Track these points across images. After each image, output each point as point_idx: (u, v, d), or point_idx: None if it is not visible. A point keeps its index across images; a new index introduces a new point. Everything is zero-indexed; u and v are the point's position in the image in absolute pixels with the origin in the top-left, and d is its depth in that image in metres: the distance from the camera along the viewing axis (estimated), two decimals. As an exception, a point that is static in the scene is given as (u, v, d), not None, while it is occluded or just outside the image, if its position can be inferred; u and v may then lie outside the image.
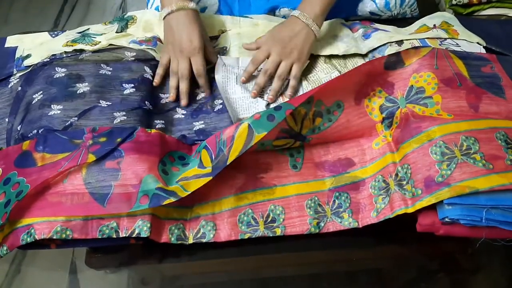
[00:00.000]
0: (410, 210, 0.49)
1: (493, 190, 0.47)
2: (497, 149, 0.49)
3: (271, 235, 0.50)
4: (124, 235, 0.47)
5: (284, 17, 0.77)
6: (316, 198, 0.52)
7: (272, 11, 0.76)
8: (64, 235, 0.47)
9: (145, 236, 0.47)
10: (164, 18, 0.64)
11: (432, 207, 0.48)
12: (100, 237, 0.47)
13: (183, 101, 0.62)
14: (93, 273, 0.51)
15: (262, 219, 0.51)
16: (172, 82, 0.63)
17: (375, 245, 0.53)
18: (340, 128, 0.56)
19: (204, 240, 0.50)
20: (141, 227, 0.48)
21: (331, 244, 0.52)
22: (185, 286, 0.51)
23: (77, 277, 0.51)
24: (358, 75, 0.58)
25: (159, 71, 0.64)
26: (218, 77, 0.64)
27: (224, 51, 0.69)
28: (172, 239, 0.49)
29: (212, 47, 0.66)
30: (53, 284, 0.51)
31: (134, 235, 0.47)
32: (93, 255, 0.51)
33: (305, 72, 0.66)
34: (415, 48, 0.61)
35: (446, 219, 0.47)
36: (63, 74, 0.61)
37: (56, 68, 0.62)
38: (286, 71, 0.63)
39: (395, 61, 0.59)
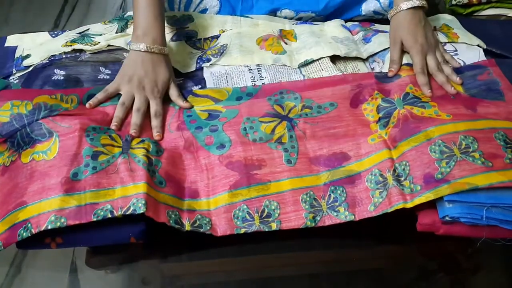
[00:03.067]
0: (409, 205, 0.49)
1: (493, 188, 0.47)
2: (496, 148, 0.50)
3: (266, 230, 0.50)
4: (120, 213, 0.47)
5: (285, 17, 0.77)
6: (312, 193, 0.52)
7: (273, 12, 0.77)
8: (59, 223, 0.46)
9: (141, 212, 0.46)
10: (132, 48, 0.61)
11: (432, 207, 0.49)
12: (95, 219, 0.47)
13: (134, 133, 0.56)
14: (93, 273, 0.51)
15: (257, 214, 0.51)
16: (122, 114, 0.57)
17: (375, 245, 0.53)
18: (331, 120, 0.57)
19: (201, 230, 0.49)
20: (136, 204, 0.47)
21: (331, 244, 0.53)
22: (185, 286, 0.51)
23: (77, 277, 0.51)
24: (346, 83, 0.61)
25: (100, 96, 0.58)
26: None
27: (224, 49, 0.69)
28: (171, 221, 0.49)
29: (178, 91, 0.62)
30: (54, 284, 0.51)
31: (129, 212, 0.47)
32: (93, 255, 0.51)
33: (310, 69, 0.66)
34: (409, 65, 0.63)
35: (447, 218, 0.47)
36: (61, 77, 0.61)
37: (55, 70, 0.63)
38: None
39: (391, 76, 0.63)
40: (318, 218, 0.51)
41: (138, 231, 0.49)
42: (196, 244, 0.52)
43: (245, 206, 0.51)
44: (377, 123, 0.57)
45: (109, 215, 0.47)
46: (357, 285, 0.51)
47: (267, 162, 0.54)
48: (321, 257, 0.52)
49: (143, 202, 0.47)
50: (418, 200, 0.48)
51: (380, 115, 0.57)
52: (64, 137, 0.52)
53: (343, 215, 0.51)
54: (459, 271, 0.52)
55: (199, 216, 0.51)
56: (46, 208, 0.47)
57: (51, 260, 0.52)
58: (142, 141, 0.54)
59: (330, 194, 0.52)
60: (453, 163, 0.48)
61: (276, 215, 0.51)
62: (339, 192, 0.52)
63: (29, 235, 0.46)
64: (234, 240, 0.50)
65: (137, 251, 0.51)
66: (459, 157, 0.49)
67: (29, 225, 0.47)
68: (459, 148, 0.49)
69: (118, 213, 0.47)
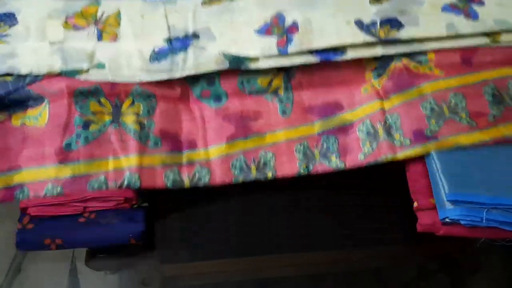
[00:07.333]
0: (399, 157, 0.50)
1: (495, 189, 0.47)
2: (482, 105, 0.51)
3: (262, 179, 0.52)
4: (114, 186, 0.49)
5: None
6: (306, 143, 0.54)
7: None
8: (55, 192, 0.48)
9: (137, 187, 0.49)
10: None
11: (433, 207, 0.48)
12: (91, 190, 0.48)
13: None
14: (93, 273, 0.51)
15: (254, 164, 0.52)
16: None
17: (375, 246, 0.53)
18: (328, 67, 0.56)
19: (200, 183, 0.51)
20: (130, 178, 0.49)
21: (331, 245, 0.53)
22: (185, 286, 0.51)
23: (77, 278, 0.51)
24: None
25: None
26: None
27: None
28: (168, 184, 0.50)
29: None
30: (53, 284, 0.51)
31: (124, 186, 0.49)
32: (93, 256, 0.52)
33: None
34: None
35: (447, 219, 0.47)
36: None
37: None
38: None
39: None
40: (311, 167, 0.53)
41: (137, 232, 0.49)
42: (196, 244, 0.52)
43: (242, 157, 0.53)
44: (372, 72, 0.57)
45: (104, 187, 0.49)
46: (357, 285, 0.51)
47: (263, 114, 0.55)
48: (321, 257, 0.52)
49: (137, 176, 0.49)
50: (408, 153, 0.50)
51: (377, 64, 0.57)
52: (54, 103, 0.52)
53: (334, 164, 0.53)
54: (459, 271, 0.52)
55: (199, 168, 0.52)
56: (42, 176, 0.49)
57: (50, 261, 0.52)
58: (132, 103, 0.53)
59: (323, 144, 0.54)
60: (442, 122, 0.51)
61: (272, 164, 0.53)
62: (331, 141, 0.54)
63: (26, 198, 0.49)
64: (234, 241, 0.51)
65: (136, 252, 0.51)
66: (448, 116, 0.51)
67: (26, 189, 0.49)
68: (448, 107, 0.51)
69: (111, 185, 0.49)
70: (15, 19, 0.57)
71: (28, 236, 0.49)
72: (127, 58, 0.54)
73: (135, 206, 0.51)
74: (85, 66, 0.53)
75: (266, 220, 0.54)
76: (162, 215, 0.54)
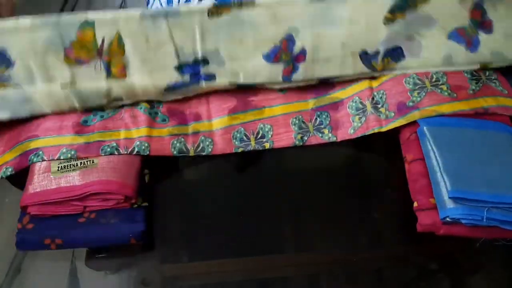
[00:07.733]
0: (384, 129, 0.55)
1: (496, 187, 0.47)
2: (462, 81, 0.56)
3: (261, 149, 0.56)
4: (125, 152, 0.53)
5: None
6: (300, 117, 0.58)
7: None
8: (69, 155, 0.52)
9: (146, 153, 0.53)
10: None
11: (433, 207, 0.48)
12: (103, 154, 0.52)
13: None
14: (93, 273, 0.51)
15: (253, 136, 0.57)
16: None
17: (375, 246, 0.53)
18: None
19: (203, 153, 0.56)
20: (140, 146, 0.53)
21: (331, 245, 0.53)
22: (185, 286, 0.51)
23: (77, 278, 0.51)
24: None
25: None
26: None
27: None
28: (175, 152, 0.55)
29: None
30: (53, 284, 0.51)
31: (134, 153, 0.53)
32: (93, 256, 0.51)
33: None
34: None
35: (447, 219, 0.47)
36: None
37: None
38: None
39: None
40: (306, 138, 0.57)
41: (137, 232, 0.49)
42: (196, 245, 0.52)
43: (242, 129, 0.58)
44: None
45: (115, 152, 0.53)
46: (357, 286, 0.51)
47: (262, 91, 0.60)
48: (321, 258, 0.52)
49: (146, 144, 0.54)
50: (392, 125, 0.54)
51: None
52: None
53: (327, 136, 0.57)
54: (459, 271, 0.52)
55: (203, 138, 0.57)
56: (58, 142, 0.53)
57: (50, 261, 0.52)
58: None
59: (316, 118, 0.59)
60: (424, 93, 0.54)
61: (269, 136, 0.57)
62: (324, 116, 0.58)
63: (40, 160, 0.52)
64: (234, 241, 0.51)
65: (137, 252, 0.51)
66: (429, 88, 0.55)
67: (41, 152, 0.52)
68: (430, 81, 0.56)
69: (123, 151, 0.53)
70: (9, 59, 0.52)
71: (28, 236, 0.49)
72: (143, 90, 0.56)
73: (135, 205, 0.51)
74: (104, 102, 0.56)
75: (266, 220, 0.54)
76: (162, 215, 0.54)
